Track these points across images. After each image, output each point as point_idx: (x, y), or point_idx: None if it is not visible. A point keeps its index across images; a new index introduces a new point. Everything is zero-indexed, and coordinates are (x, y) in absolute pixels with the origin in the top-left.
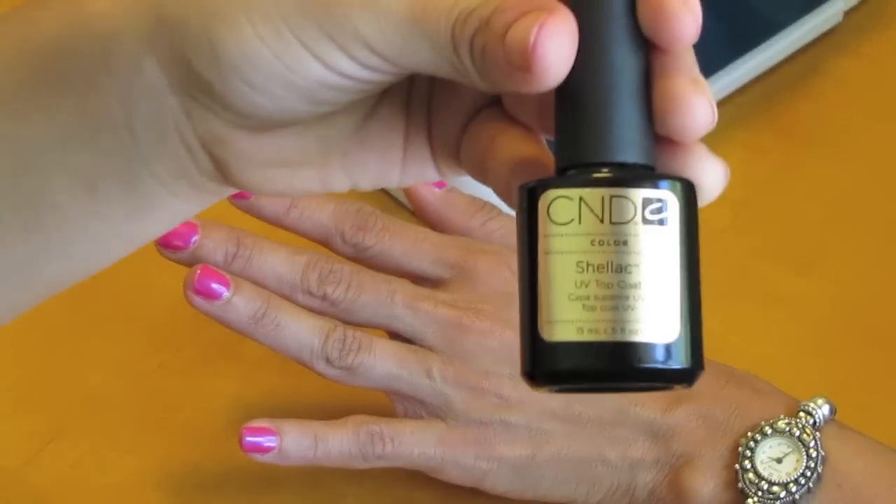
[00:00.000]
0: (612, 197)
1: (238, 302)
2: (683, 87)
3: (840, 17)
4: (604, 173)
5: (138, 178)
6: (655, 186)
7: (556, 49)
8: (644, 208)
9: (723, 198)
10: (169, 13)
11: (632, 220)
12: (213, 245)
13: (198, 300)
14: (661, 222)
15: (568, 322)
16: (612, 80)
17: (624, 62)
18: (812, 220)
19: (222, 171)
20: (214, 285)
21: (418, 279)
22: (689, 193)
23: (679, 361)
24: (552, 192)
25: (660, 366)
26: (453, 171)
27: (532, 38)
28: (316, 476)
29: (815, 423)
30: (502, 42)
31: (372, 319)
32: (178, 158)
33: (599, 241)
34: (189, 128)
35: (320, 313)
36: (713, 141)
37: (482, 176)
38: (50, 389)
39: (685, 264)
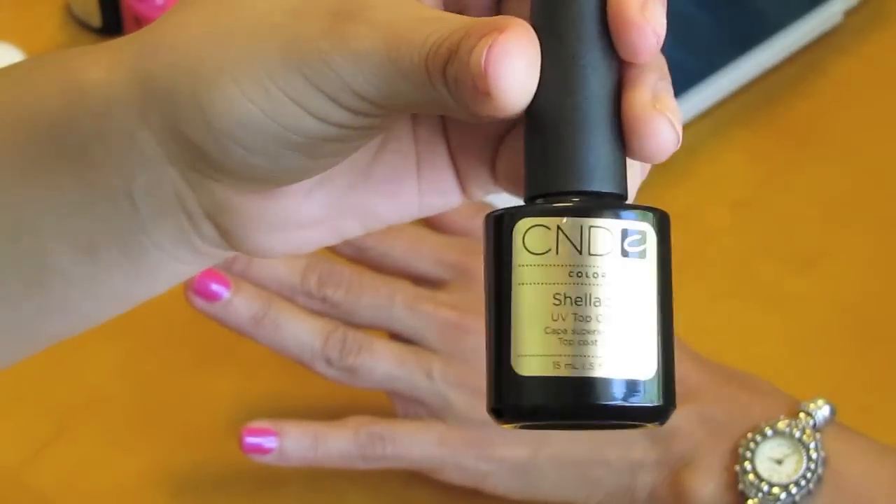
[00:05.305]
0: (591, 227)
1: (238, 303)
2: (642, 106)
3: (840, 18)
4: (580, 203)
5: (139, 245)
6: (634, 218)
7: (510, 68)
8: (623, 240)
9: (723, 198)
10: (158, 84)
11: (611, 251)
12: None
13: (198, 301)
14: (639, 255)
15: (544, 356)
16: (584, 103)
17: (595, 82)
18: (812, 220)
19: (228, 240)
20: (214, 286)
21: (419, 280)
22: (664, 225)
23: (653, 399)
24: (527, 221)
25: (637, 403)
26: (484, 191)
27: (482, 59)
28: (316, 476)
29: (815, 424)
30: (469, 68)
31: (372, 321)
32: (179, 227)
33: (577, 273)
34: (192, 198)
35: (321, 315)
36: (714, 142)
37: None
38: (50, 389)
39: (661, 299)
